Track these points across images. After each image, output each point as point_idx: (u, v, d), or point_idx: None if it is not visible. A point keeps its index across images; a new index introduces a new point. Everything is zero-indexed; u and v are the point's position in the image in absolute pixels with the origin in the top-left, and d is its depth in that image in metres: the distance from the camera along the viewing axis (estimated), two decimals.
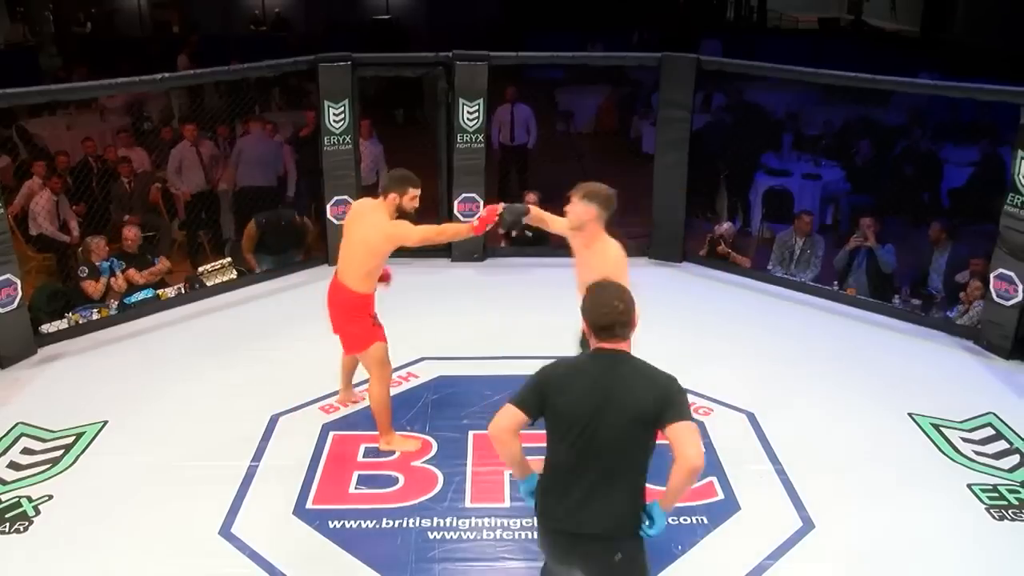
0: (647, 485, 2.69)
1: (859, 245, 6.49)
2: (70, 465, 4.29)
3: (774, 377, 5.14)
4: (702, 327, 5.82)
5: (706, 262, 6.91)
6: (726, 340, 5.62)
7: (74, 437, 4.52)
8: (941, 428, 4.63)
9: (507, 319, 5.81)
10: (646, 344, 5.52)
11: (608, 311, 2.65)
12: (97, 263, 6.00)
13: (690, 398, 4.75)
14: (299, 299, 6.28)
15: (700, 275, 6.78)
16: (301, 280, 6.66)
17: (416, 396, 4.81)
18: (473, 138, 6.68)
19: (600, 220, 3.62)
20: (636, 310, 2.67)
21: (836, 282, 6.50)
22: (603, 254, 3.61)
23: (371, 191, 6.81)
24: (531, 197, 7.18)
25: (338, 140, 6.57)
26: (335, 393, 4.86)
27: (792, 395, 4.94)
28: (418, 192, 4.13)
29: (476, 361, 5.19)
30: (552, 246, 7.27)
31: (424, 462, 4.28)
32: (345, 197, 6.64)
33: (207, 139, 7.71)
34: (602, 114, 12.25)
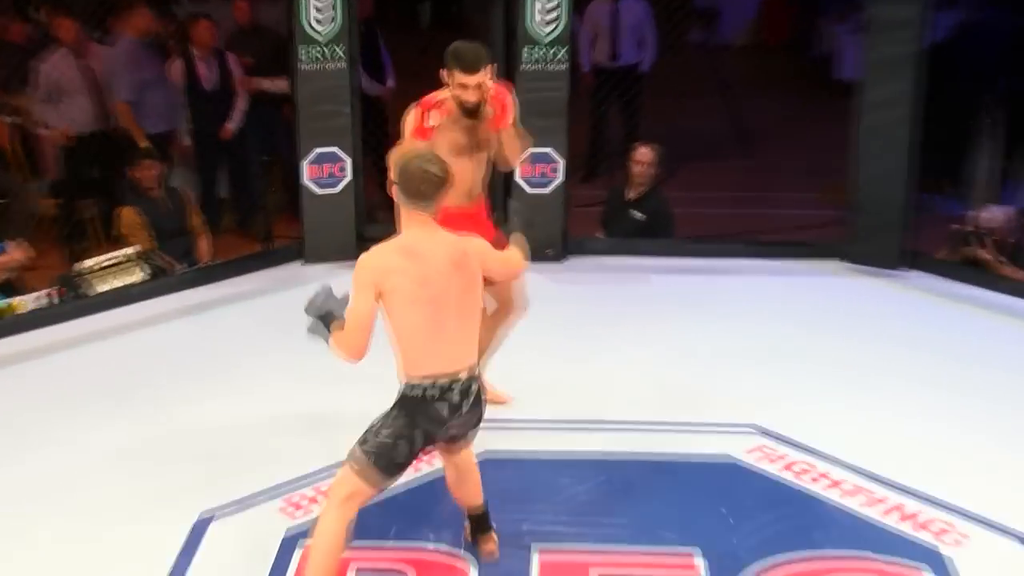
0: None
1: None
2: None
3: None
4: (940, 386, 5.71)
5: (948, 269, 6.85)
6: (986, 410, 5.49)
7: None
8: None
9: (598, 358, 5.83)
10: (837, 413, 5.52)
11: None
12: None
13: (932, 513, 4.65)
14: (251, 317, 6.37)
15: (936, 292, 6.84)
16: (256, 286, 6.79)
17: (443, 486, 4.62)
18: (549, 54, 6.75)
19: (403, 202, 3.75)
20: None
21: None
22: None
23: None
24: (645, 153, 7.10)
25: (324, 53, 6.64)
26: (310, 476, 4.79)
27: None
28: (469, 80, 4.63)
29: (543, 430, 5.17)
30: (677, 239, 7.17)
31: None
32: (333, 150, 6.74)
33: (95, 41, 7.75)
34: (767, 15, 12.44)
